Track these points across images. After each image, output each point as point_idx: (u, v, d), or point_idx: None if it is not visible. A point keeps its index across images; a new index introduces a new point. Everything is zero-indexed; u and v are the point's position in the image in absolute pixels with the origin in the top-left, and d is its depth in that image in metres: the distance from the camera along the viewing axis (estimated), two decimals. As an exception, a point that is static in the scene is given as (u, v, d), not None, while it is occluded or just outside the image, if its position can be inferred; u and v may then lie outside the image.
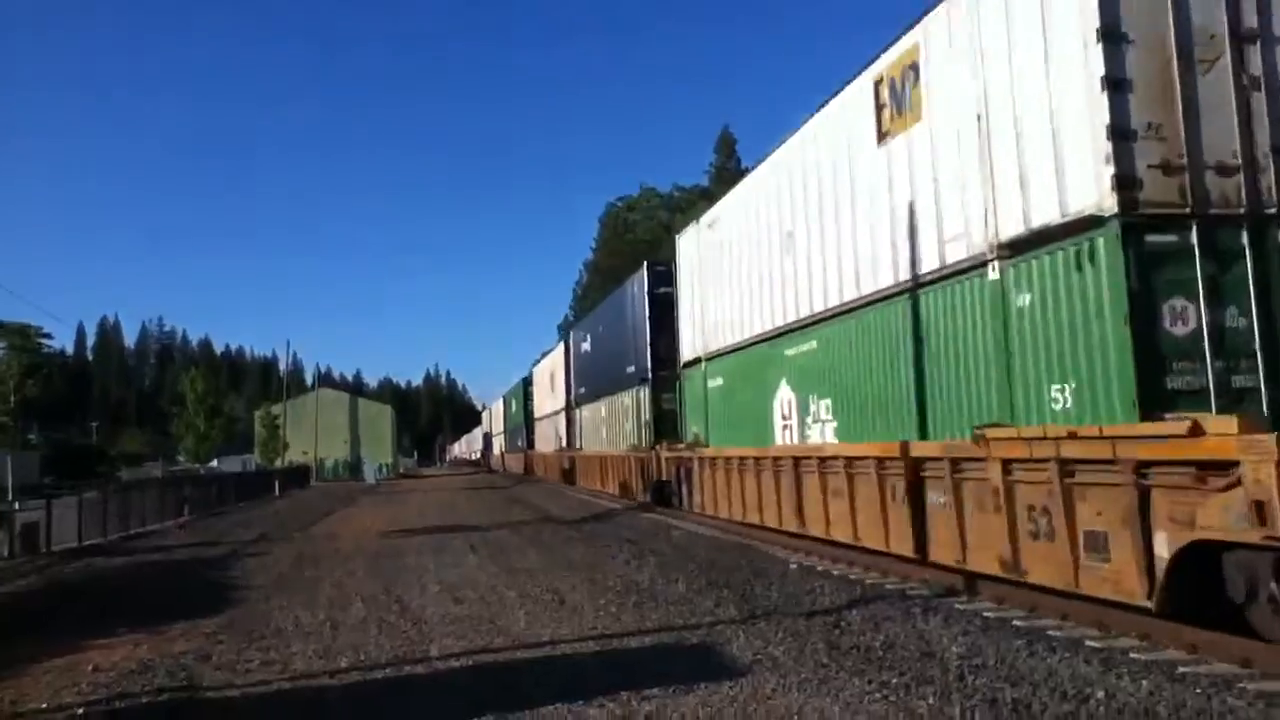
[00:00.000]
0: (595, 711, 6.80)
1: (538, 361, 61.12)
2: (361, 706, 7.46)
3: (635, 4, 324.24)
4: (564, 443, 44.83)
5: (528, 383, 62.95)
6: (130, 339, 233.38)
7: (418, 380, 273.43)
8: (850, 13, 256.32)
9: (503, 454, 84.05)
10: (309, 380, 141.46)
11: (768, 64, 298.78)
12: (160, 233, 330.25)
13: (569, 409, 43.31)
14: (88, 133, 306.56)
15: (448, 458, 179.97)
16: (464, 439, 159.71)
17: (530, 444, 61.31)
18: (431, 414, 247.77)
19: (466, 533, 21.53)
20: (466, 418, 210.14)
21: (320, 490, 57.43)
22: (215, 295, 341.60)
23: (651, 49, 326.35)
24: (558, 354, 47.40)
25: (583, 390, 39.36)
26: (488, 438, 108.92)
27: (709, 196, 73.67)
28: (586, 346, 38.48)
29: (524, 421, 63.49)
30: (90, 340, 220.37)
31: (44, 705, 7.75)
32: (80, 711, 7.50)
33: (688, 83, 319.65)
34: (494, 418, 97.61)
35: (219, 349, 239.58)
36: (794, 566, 13.89)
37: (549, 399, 51.15)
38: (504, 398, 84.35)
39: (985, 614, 9.82)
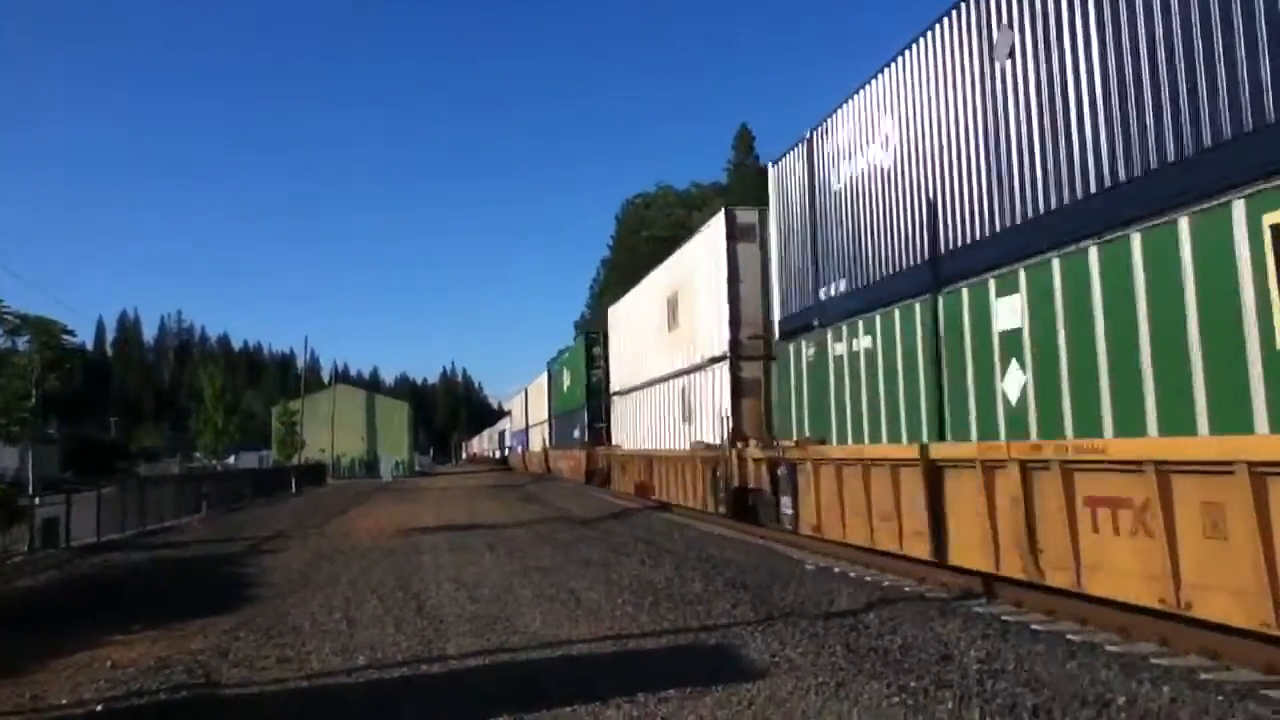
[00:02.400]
0: (612, 712, 6.77)
1: (613, 301, 38.59)
2: (379, 704, 7.46)
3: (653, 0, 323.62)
4: (727, 428, 20.43)
5: (592, 341, 41.96)
6: (149, 335, 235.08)
7: (434, 378, 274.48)
8: (867, 8, 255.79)
9: (545, 451, 60.59)
10: (326, 377, 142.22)
11: (786, 60, 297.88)
12: (180, 229, 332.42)
13: (736, 359, 20.64)
14: (108, 128, 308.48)
15: (464, 455, 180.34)
16: (484, 434, 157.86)
17: (598, 436, 39.83)
18: (448, 412, 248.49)
19: (484, 531, 21.57)
20: (483, 416, 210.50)
21: (336, 487, 57.67)
22: (234, 292, 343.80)
23: (670, 45, 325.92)
24: (708, 241, 22.83)
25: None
26: (504, 435, 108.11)
27: (726, 193, 73.73)
28: None
29: (585, 401, 41.66)
30: (110, 335, 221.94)
31: (63, 700, 7.79)
32: (99, 708, 7.53)
33: (706, 79, 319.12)
34: (529, 401, 73.29)
35: (237, 345, 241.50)
36: (811, 568, 13.84)
37: (656, 351, 27.89)
38: (548, 370, 60.30)
39: (1004, 617, 9.77)
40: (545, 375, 61.01)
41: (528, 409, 73.92)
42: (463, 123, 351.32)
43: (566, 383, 48.71)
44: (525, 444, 77.27)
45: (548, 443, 59.27)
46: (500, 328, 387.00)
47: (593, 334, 42.19)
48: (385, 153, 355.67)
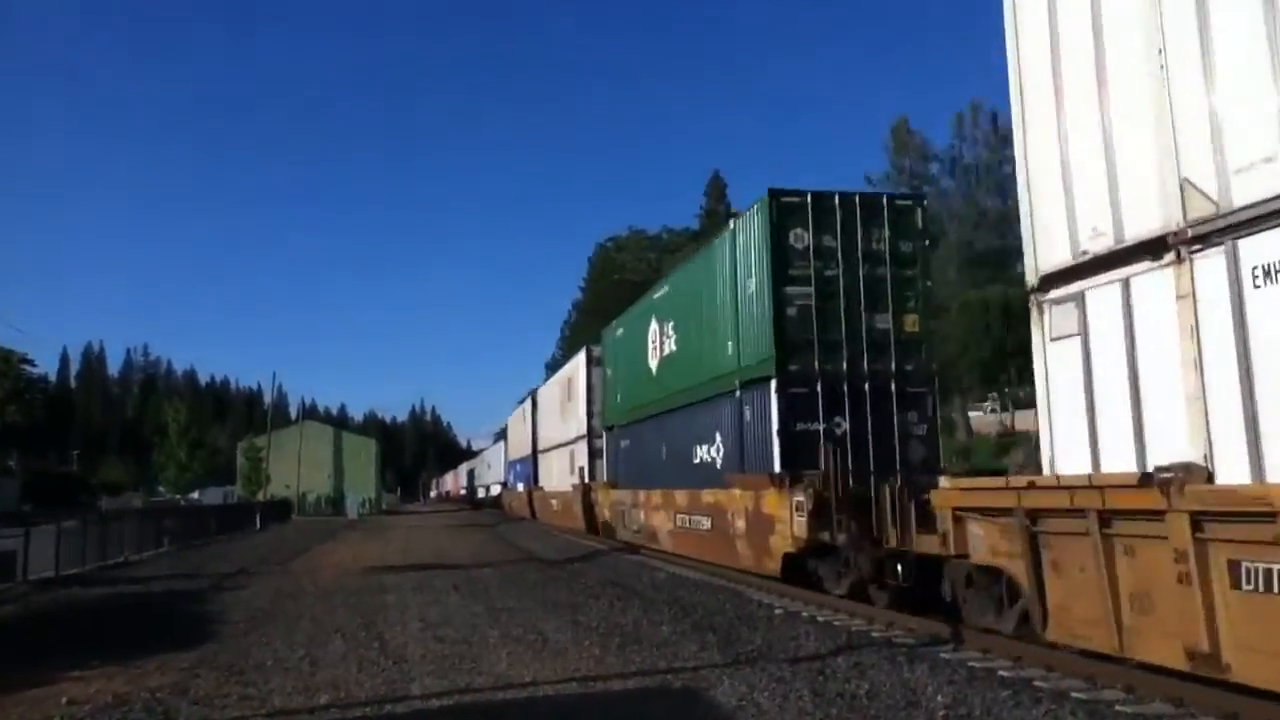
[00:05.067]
0: (578, 755, 6.72)
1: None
2: (340, 745, 7.36)
3: (627, 46, 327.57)
4: None
5: (789, 210, 16.05)
6: (114, 367, 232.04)
7: (403, 416, 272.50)
8: (839, 63, 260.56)
9: (586, 489, 33.09)
10: (294, 413, 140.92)
11: (758, 110, 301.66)
12: (147, 261, 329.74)
13: None
14: (74, 157, 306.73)
15: (432, 494, 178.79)
16: (460, 469, 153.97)
17: (865, 455, 15.11)
18: (416, 450, 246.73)
19: (449, 571, 21.37)
20: (452, 455, 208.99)
21: (301, 524, 56.91)
22: (202, 325, 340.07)
23: (642, 91, 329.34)
24: None
25: None
26: (473, 474, 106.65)
27: (698, 238, 74.25)
28: None
29: (774, 372, 15.81)
30: (74, 367, 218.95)
31: (16, 737, 7.63)
32: (53, 745, 7.38)
33: (677, 126, 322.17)
34: (540, 414, 46.43)
35: (204, 379, 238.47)
36: (779, 612, 13.82)
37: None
38: (601, 343, 32.11)
39: (970, 663, 9.78)
40: (582, 359, 34.86)
41: (536, 426, 47.74)
42: (436, 161, 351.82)
43: (668, 349, 22.91)
44: (531, 479, 49.23)
45: (588, 475, 33.17)
46: (471, 367, 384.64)
47: (790, 198, 16.45)
48: (356, 190, 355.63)
